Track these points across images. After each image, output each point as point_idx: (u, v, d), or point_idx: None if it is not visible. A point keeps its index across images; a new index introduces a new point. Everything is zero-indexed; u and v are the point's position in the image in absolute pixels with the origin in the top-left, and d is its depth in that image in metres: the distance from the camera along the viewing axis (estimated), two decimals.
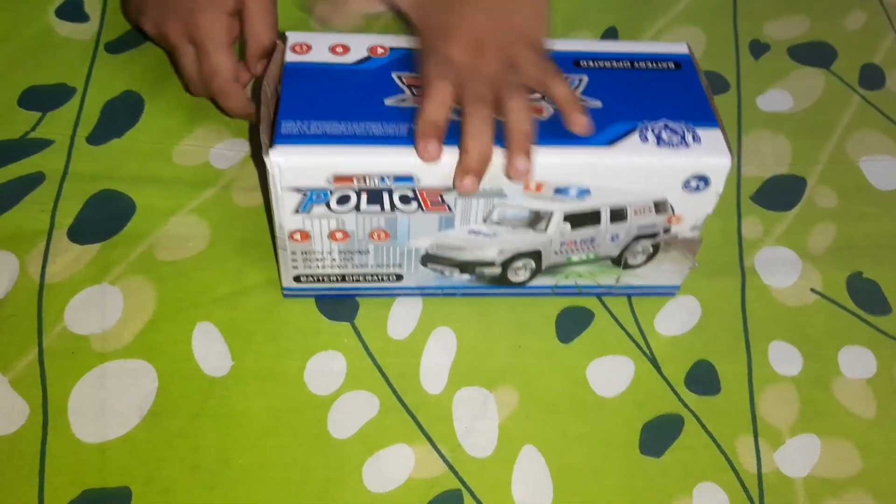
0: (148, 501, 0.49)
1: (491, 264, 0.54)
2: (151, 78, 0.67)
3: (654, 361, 0.56)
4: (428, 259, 0.54)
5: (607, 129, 0.49)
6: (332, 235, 0.51)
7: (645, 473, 0.51)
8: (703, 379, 0.55)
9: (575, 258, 0.54)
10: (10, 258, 0.57)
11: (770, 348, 0.57)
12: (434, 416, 0.53)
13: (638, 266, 0.55)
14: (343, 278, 0.55)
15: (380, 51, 0.53)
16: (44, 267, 0.57)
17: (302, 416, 0.52)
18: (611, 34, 0.74)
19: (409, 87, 0.51)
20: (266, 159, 0.47)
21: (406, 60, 0.53)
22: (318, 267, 0.54)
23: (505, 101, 0.48)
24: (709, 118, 0.51)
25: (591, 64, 0.53)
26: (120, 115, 0.65)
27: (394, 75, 0.52)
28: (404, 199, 0.49)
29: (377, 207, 0.50)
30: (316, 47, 0.53)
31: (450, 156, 0.48)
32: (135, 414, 0.52)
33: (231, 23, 0.60)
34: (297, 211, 0.50)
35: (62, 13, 0.71)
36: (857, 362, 0.56)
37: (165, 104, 0.66)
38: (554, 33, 0.73)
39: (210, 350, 0.54)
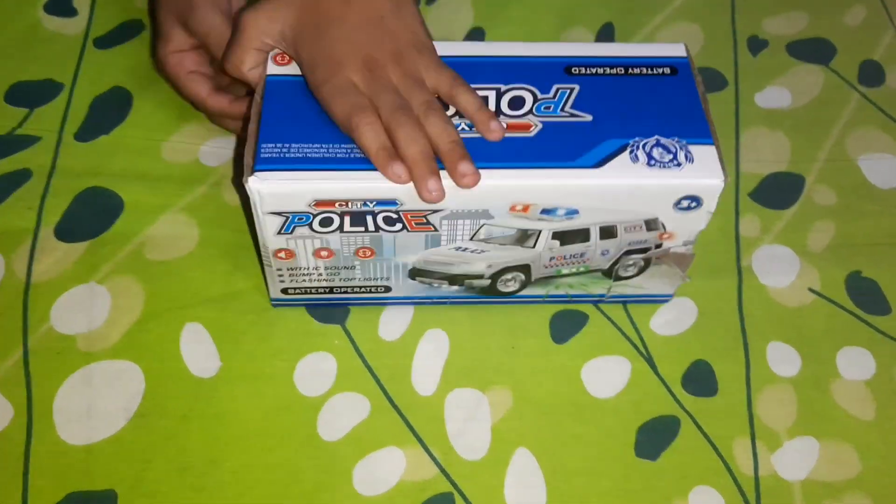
0: None
1: (480, 277, 0.53)
2: (140, 74, 0.66)
3: (650, 362, 0.55)
4: (416, 273, 0.53)
5: (597, 148, 0.48)
6: (316, 253, 0.51)
7: (640, 476, 0.51)
8: (699, 380, 0.54)
9: (565, 271, 0.53)
10: None
11: (768, 349, 0.56)
12: (426, 417, 0.52)
13: (629, 277, 0.54)
14: (331, 290, 0.54)
15: None
16: (30, 265, 0.56)
17: (291, 417, 0.52)
18: (607, 30, 0.73)
19: None
20: (246, 185, 0.46)
21: None
22: (304, 281, 0.53)
23: (421, 121, 0.48)
24: (703, 133, 0.49)
25: (583, 71, 0.52)
26: (108, 112, 0.64)
27: None
28: (388, 221, 0.48)
29: (361, 228, 0.49)
30: None
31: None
32: (121, 415, 0.51)
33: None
34: (279, 232, 0.49)
35: (50, 8, 0.70)
36: (855, 363, 0.56)
37: (154, 100, 0.65)
38: (550, 29, 0.73)
39: (198, 351, 0.54)
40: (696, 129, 0.49)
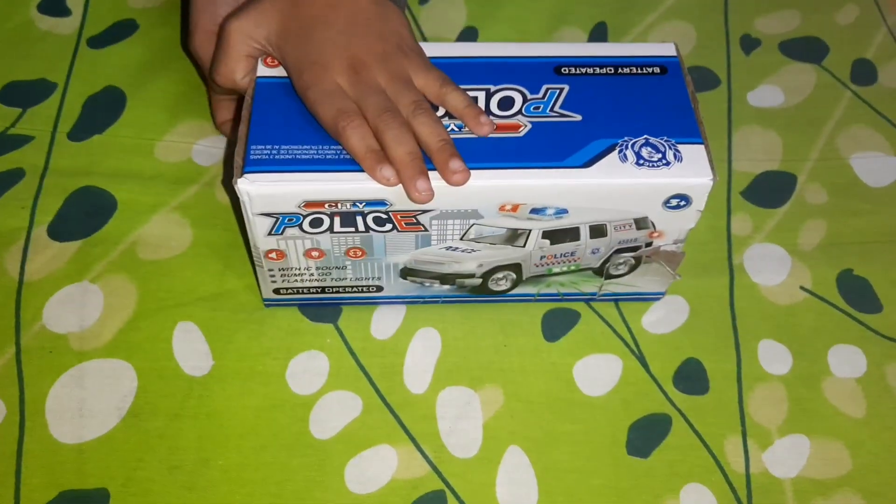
0: (126, 503, 0.48)
1: (471, 276, 0.53)
2: (133, 73, 0.67)
3: (641, 360, 0.55)
4: (407, 272, 0.53)
5: (586, 147, 0.48)
6: (307, 254, 0.51)
7: (631, 474, 0.51)
8: (691, 378, 0.55)
9: (556, 269, 0.53)
10: None
11: (759, 347, 0.56)
12: (418, 415, 0.52)
13: (620, 276, 0.54)
14: (323, 290, 0.54)
15: None
16: (23, 264, 0.56)
17: (283, 416, 0.52)
18: (600, 29, 0.73)
19: None
20: (235, 187, 0.46)
21: None
22: (296, 281, 0.53)
23: (410, 121, 0.48)
24: (692, 132, 0.49)
25: (572, 71, 0.52)
26: (101, 111, 0.64)
27: None
28: (378, 221, 0.48)
29: (351, 229, 0.49)
30: None
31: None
32: (113, 414, 0.51)
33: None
34: (270, 233, 0.49)
35: (43, 7, 0.70)
36: (846, 361, 0.56)
37: (147, 99, 0.65)
38: (543, 28, 0.73)
39: (190, 349, 0.54)
40: (686, 128, 0.49)
